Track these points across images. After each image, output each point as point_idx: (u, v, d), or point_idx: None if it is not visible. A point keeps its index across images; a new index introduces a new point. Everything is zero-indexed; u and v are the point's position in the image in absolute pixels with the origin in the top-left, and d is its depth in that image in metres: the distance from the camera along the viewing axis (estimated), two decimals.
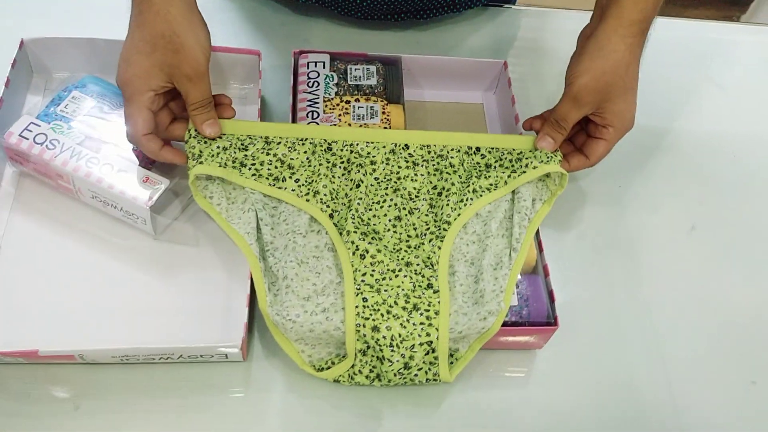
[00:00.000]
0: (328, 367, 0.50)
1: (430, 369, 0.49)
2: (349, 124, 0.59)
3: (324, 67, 0.63)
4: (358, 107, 0.61)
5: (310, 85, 0.61)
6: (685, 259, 0.61)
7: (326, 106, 0.60)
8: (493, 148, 0.56)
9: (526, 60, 0.73)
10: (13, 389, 0.47)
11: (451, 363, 0.50)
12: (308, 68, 0.63)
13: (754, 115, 0.73)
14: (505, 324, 0.51)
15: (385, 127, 0.60)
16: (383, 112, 0.61)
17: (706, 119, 0.71)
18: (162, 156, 0.52)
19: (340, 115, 0.60)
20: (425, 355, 0.49)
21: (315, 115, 0.60)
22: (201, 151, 0.52)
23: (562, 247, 0.60)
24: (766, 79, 0.76)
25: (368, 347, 0.49)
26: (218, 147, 0.53)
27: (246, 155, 0.53)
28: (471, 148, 0.56)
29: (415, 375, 0.49)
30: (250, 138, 0.54)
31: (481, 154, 0.56)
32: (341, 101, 0.61)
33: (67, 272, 0.52)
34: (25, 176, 0.56)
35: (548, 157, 0.55)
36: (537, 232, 0.56)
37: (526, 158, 0.55)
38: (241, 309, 0.49)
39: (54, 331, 0.49)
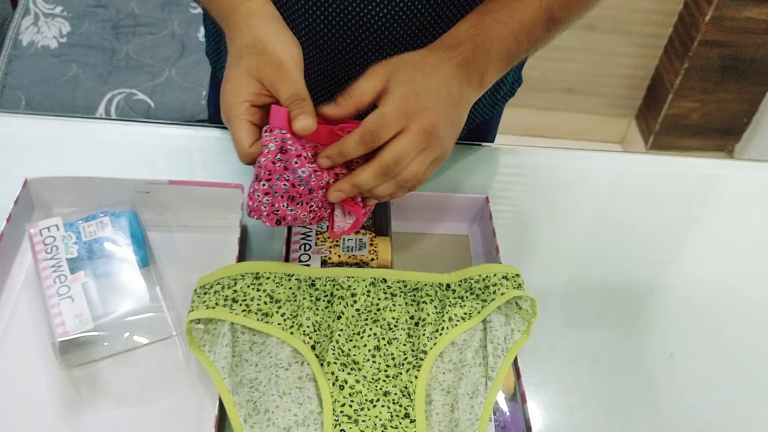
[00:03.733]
0: None
1: None
2: (339, 256, 0.61)
3: None
4: (348, 239, 0.63)
5: None
6: (665, 384, 0.60)
7: (318, 239, 0.62)
8: (462, 280, 0.58)
9: (507, 194, 0.75)
10: None
11: None
12: None
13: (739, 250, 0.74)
14: None
15: (372, 258, 0.61)
16: (371, 244, 0.63)
17: (687, 251, 0.72)
18: None
19: (330, 247, 0.62)
20: None
21: (307, 247, 0.62)
22: (195, 302, 0.54)
23: (542, 374, 0.59)
24: (748, 214, 0.77)
25: None
26: (211, 291, 0.55)
27: (236, 291, 0.55)
28: (442, 285, 0.58)
29: None
30: (240, 275, 0.56)
31: (452, 289, 0.58)
32: None
33: (44, 378, 0.53)
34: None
35: (515, 283, 0.57)
36: (515, 360, 0.56)
37: (494, 285, 0.57)
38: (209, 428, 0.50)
39: None
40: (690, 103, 2.01)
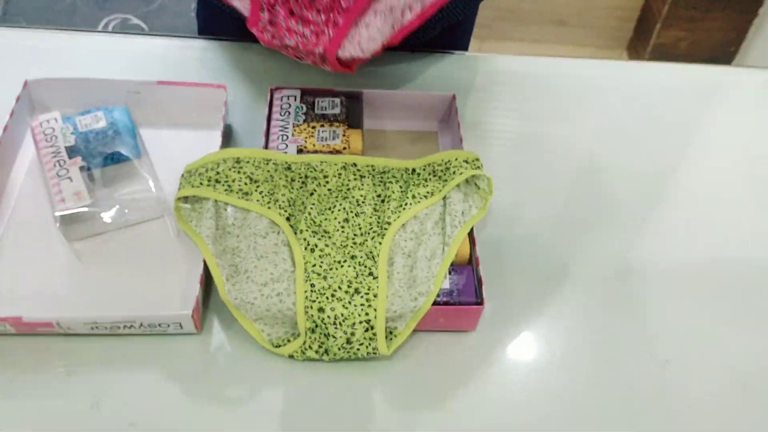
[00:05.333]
0: (285, 344, 0.55)
1: (369, 344, 0.54)
2: (314, 145, 0.66)
3: (295, 100, 0.70)
4: (322, 131, 0.67)
5: (282, 114, 0.68)
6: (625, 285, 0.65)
7: (295, 130, 0.67)
8: (426, 164, 0.62)
9: (476, 95, 0.79)
10: (6, 360, 0.53)
11: (390, 339, 0.55)
12: (282, 101, 0.69)
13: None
14: (437, 304, 0.56)
15: (344, 147, 0.66)
16: (344, 135, 0.67)
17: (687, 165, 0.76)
18: None
19: (306, 137, 0.66)
20: (365, 331, 0.54)
21: (285, 137, 0.66)
22: (182, 184, 0.60)
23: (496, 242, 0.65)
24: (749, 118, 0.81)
25: (316, 326, 0.54)
26: (196, 174, 0.60)
27: (218, 173, 0.60)
28: (408, 169, 0.62)
29: (357, 349, 0.54)
30: (222, 160, 0.61)
31: (417, 173, 0.62)
32: (308, 126, 0.67)
33: (50, 255, 0.59)
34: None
35: (474, 166, 0.61)
36: (471, 230, 0.61)
37: (453, 167, 0.61)
38: (194, 286, 0.56)
39: (35, 303, 0.55)
40: (678, 32, 2.02)
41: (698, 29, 2.01)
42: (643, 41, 2.09)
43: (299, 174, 0.61)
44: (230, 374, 0.54)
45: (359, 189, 0.61)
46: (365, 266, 0.56)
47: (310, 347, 0.54)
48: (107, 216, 0.60)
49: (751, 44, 2.03)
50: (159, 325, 0.54)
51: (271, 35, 0.57)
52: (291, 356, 0.55)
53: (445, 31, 0.81)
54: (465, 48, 0.91)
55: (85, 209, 0.59)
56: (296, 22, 0.57)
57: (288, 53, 0.63)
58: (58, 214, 0.58)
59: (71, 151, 0.62)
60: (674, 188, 0.72)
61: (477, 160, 0.63)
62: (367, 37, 0.59)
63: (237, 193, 0.59)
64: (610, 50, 2.22)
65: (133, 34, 0.84)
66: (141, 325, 0.54)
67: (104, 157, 0.63)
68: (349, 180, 0.61)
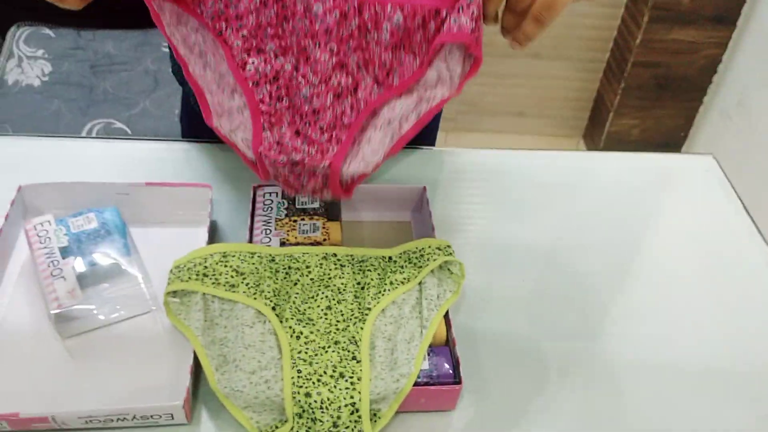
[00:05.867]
0: (273, 431, 0.57)
1: (355, 427, 0.56)
2: (296, 237, 0.70)
3: (277, 196, 0.74)
4: (303, 224, 0.71)
5: (265, 209, 0.72)
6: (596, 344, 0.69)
7: (277, 224, 0.71)
8: (402, 252, 0.67)
9: (445, 186, 0.84)
10: None
11: (375, 421, 0.57)
12: (264, 198, 0.74)
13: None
14: (417, 384, 0.58)
15: (324, 238, 0.70)
16: (323, 227, 0.71)
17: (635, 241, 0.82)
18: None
19: (288, 231, 0.70)
20: (350, 414, 0.56)
21: (268, 231, 0.70)
22: (170, 279, 0.62)
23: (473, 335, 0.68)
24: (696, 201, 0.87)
25: (303, 411, 0.56)
26: (184, 269, 0.63)
27: (206, 267, 0.63)
28: (385, 257, 0.67)
29: None
30: (210, 255, 0.64)
31: (393, 260, 0.66)
32: (290, 221, 0.71)
33: (44, 352, 0.61)
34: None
35: (446, 252, 0.66)
36: (447, 313, 0.64)
37: (427, 254, 0.66)
38: (184, 377, 0.58)
39: (31, 400, 0.57)
40: (630, 120, 2.14)
41: (648, 117, 2.13)
42: (598, 129, 2.21)
43: (283, 265, 0.65)
44: None
45: (340, 278, 0.64)
46: (348, 351, 0.59)
47: None
48: (100, 312, 0.63)
49: (698, 130, 2.16)
50: (151, 416, 0.56)
51: (277, 152, 0.61)
52: None
53: None
54: (432, 141, 0.98)
55: (79, 307, 0.61)
56: (301, 141, 0.61)
57: (287, 184, 0.66)
58: (53, 312, 0.60)
59: (64, 252, 0.65)
60: (634, 264, 0.77)
61: (449, 247, 0.68)
62: (370, 151, 0.62)
63: (224, 285, 0.62)
64: (568, 138, 2.34)
65: (118, 139, 0.89)
66: (134, 417, 0.55)
67: (95, 256, 0.66)
68: (330, 269, 0.65)
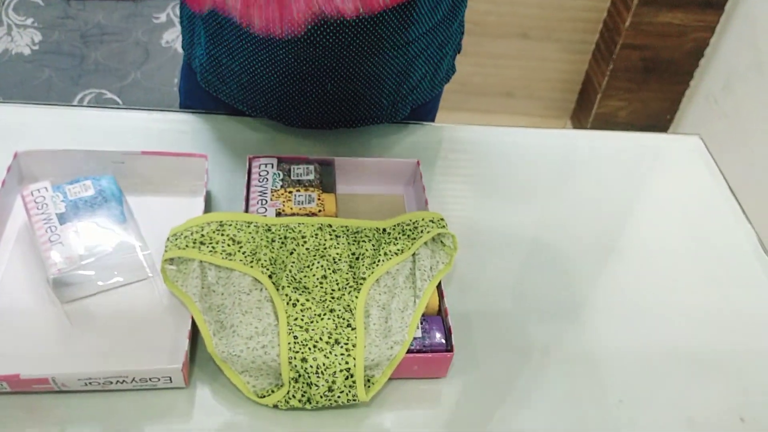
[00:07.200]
0: (269, 395, 0.58)
1: (349, 391, 0.57)
2: (291, 208, 0.70)
3: (272, 168, 0.75)
4: (298, 195, 0.72)
5: (261, 180, 0.73)
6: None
7: (273, 195, 0.72)
8: (396, 224, 0.67)
9: (439, 161, 0.85)
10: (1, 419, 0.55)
11: (368, 386, 0.59)
12: (260, 169, 0.74)
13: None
14: (410, 352, 0.60)
15: (319, 210, 0.71)
16: (318, 199, 0.72)
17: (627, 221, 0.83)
18: None
19: (283, 201, 0.71)
20: (345, 380, 0.57)
21: (264, 202, 0.71)
22: (168, 246, 0.63)
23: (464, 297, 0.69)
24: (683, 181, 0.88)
25: (299, 375, 0.57)
26: (181, 237, 0.63)
27: (203, 236, 0.64)
28: (379, 229, 0.67)
29: (338, 397, 0.57)
30: (207, 223, 0.65)
31: (387, 232, 0.67)
32: (285, 192, 0.72)
33: (42, 316, 0.61)
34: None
35: (439, 225, 0.67)
36: (439, 284, 0.66)
37: (420, 226, 0.67)
38: (182, 341, 0.59)
39: (31, 362, 0.58)
40: (617, 102, 2.16)
41: (635, 99, 2.15)
42: (586, 111, 2.22)
43: (279, 235, 0.66)
44: (217, 425, 0.57)
45: (335, 248, 0.65)
46: (344, 318, 0.60)
47: (293, 396, 0.57)
48: (97, 278, 0.63)
49: (684, 113, 2.18)
50: (150, 379, 0.56)
51: None
52: (275, 406, 0.58)
53: (413, 111, 0.88)
54: (432, 120, 0.98)
55: (77, 272, 0.62)
56: None
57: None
58: (51, 277, 0.61)
59: (61, 218, 0.65)
60: (620, 243, 0.78)
61: (442, 219, 0.69)
62: None
63: (221, 253, 0.63)
64: (555, 119, 2.35)
65: (114, 108, 0.89)
66: (133, 380, 0.56)
67: (93, 222, 0.66)
68: (325, 240, 0.66)
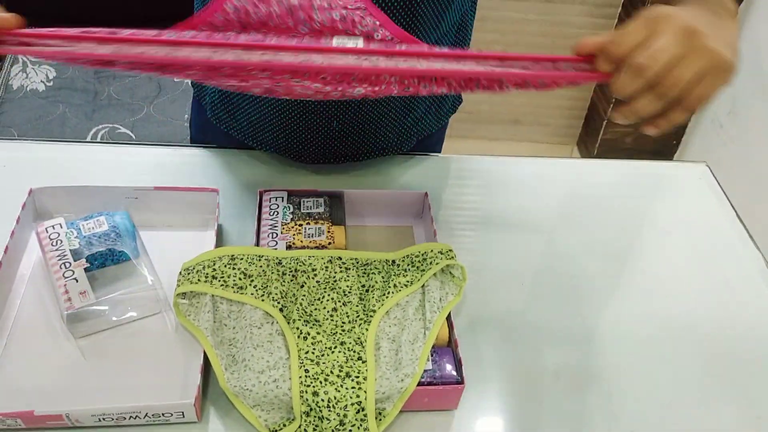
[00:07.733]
0: (281, 429, 0.58)
1: (361, 425, 0.57)
2: (301, 241, 0.71)
3: (282, 201, 0.75)
4: (308, 228, 0.73)
5: (271, 213, 0.74)
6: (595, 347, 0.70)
7: (283, 228, 0.72)
8: (405, 256, 0.68)
9: (447, 192, 0.86)
10: None
11: (380, 419, 0.59)
12: (270, 202, 0.75)
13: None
14: (421, 384, 0.60)
15: (329, 242, 0.71)
16: (328, 231, 0.73)
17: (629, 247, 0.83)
18: None
19: (294, 234, 0.72)
20: (356, 413, 0.57)
21: (275, 235, 0.71)
22: (180, 281, 0.64)
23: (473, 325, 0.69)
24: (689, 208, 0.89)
25: (311, 409, 0.57)
26: (193, 272, 0.64)
27: (215, 270, 0.64)
28: (388, 261, 0.68)
29: (350, 430, 0.57)
30: (218, 257, 0.65)
31: (397, 264, 0.68)
32: (295, 225, 0.73)
33: (57, 351, 0.62)
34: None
35: (448, 256, 0.67)
36: (449, 315, 0.66)
37: (429, 258, 0.67)
38: (195, 376, 0.59)
39: (44, 399, 0.58)
40: (623, 128, 2.16)
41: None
42: (592, 137, 2.23)
43: (289, 268, 0.66)
44: None
45: (345, 280, 0.66)
46: (354, 351, 0.60)
47: (305, 430, 0.57)
48: (111, 313, 0.64)
49: (690, 138, 2.18)
50: (162, 414, 0.57)
51: None
52: None
53: (420, 142, 0.89)
54: (438, 152, 0.99)
55: (91, 308, 0.62)
56: None
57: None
58: (66, 312, 0.61)
59: (75, 254, 0.66)
60: (628, 270, 0.78)
61: (451, 251, 0.69)
62: None
63: (232, 287, 0.64)
64: (562, 146, 2.36)
65: (126, 144, 0.90)
66: (146, 415, 0.56)
67: (106, 257, 0.67)
68: (335, 272, 0.66)
